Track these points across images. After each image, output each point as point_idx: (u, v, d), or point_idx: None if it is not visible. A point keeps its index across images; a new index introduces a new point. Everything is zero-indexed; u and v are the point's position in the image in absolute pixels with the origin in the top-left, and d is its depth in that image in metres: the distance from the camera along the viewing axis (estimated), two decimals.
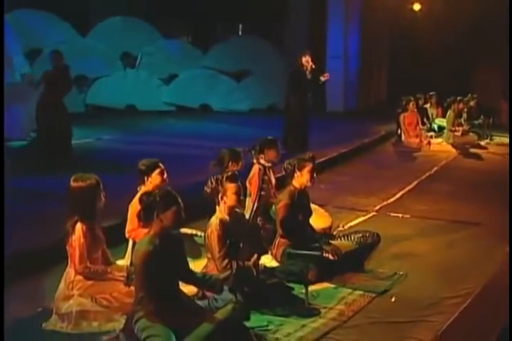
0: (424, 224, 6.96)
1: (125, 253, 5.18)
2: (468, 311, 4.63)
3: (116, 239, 5.18)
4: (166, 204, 3.88)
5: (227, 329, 3.78)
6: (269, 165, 4.90)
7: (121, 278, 4.44)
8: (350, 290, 4.95)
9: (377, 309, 4.64)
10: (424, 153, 11.81)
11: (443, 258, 5.85)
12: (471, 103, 14.63)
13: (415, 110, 12.86)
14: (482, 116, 14.18)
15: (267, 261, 5.34)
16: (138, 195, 4.64)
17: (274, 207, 5.88)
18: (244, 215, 4.91)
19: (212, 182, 4.64)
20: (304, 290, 4.71)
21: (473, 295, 4.89)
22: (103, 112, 15.38)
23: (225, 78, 16.89)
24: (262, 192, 4.74)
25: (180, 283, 4.12)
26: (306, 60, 10.21)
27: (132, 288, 4.13)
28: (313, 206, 6.05)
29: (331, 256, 5.09)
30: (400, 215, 7.34)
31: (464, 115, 13.75)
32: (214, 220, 4.64)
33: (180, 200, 3.94)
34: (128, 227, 5.19)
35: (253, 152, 4.80)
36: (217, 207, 4.72)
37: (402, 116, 12.65)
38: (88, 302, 4.34)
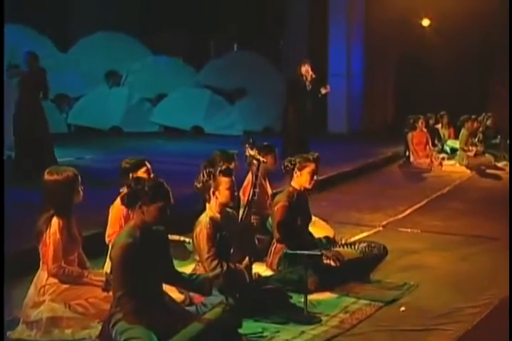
0: (435, 239, 6.86)
1: (104, 263, 5.07)
2: (487, 321, 4.52)
3: (94, 250, 5.08)
4: (153, 196, 3.74)
5: (217, 332, 3.67)
6: (263, 159, 4.82)
7: (99, 283, 4.33)
8: (354, 299, 4.82)
9: (384, 318, 4.52)
10: (435, 174, 11.69)
11: (457, 270, 5.74)
12: (488, 122, 14.55)
13: (424, 129, 12.77)
14: (499, 137, 14.14)
15: (261, 270, 5.24)
16: (120, 197, 4.53)
17: (270, 218, 5.83)
18: (236, 216, 4.82)
19: (204, 176, 4.56)
20: (302, 299, 4.59)
21: (492, 305, 4.79)
22: (87, 132, 15.39)
23: (219, 99, 16.82)
24: (256, 190, 4.64)
25: (165, 287, 4.02)
26: (306, 70, 10.24)
27: (111, 293, 4.01)
28: (313, 218, 5.97)
29: (332, 263, 4.99)
30: (409, 230, 7.26)
31: (480, 135, 13.61)
32: (204, 218, 4.56)
33: (170, 196, 3.81)
34: (108, 231, 5.10)
35: (247, 145, 4.73)
36: (207, 205, 4.64)
37: (410, 135, 12.52)
38: (60, 308, 4.21)
